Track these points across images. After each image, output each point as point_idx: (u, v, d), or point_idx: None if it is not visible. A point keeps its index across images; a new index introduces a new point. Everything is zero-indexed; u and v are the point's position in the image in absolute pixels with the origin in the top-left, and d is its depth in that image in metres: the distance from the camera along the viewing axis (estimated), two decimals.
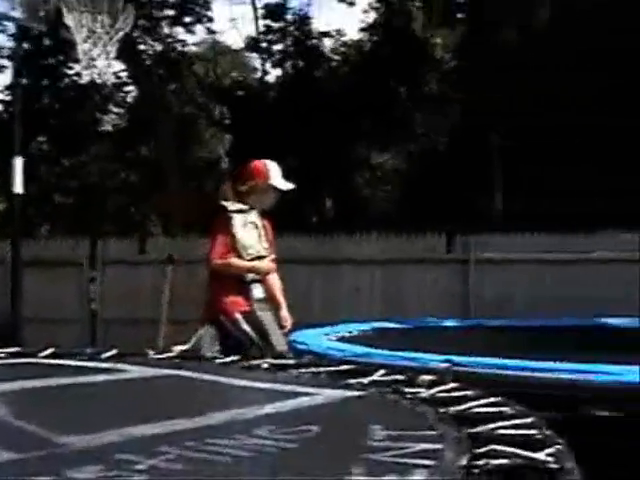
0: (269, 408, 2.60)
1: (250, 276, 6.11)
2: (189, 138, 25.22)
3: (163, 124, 22.82)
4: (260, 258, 6.17)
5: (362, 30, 25.54)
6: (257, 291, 6.10)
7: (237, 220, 6.10)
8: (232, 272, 6.09)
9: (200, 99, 25.46)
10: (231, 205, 6.16)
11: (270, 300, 6.27)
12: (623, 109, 18.19)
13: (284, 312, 6.38)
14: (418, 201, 21.44)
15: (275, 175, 6.24)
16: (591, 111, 18.52)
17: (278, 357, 5.76)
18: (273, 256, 6.28)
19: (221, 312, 6.07)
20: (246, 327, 5.96)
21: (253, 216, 6.23)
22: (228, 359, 3.67)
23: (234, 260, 6.06)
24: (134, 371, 3.41)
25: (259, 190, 6.19)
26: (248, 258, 6.11)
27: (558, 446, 2.07)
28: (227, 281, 6.08)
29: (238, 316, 6.00)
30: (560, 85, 18.85)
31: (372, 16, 24.57)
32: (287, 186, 6.28)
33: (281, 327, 6.33)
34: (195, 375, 3.32)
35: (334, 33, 25.90)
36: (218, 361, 3.70)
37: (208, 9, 24.09)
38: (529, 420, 2.35)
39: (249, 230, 6.15)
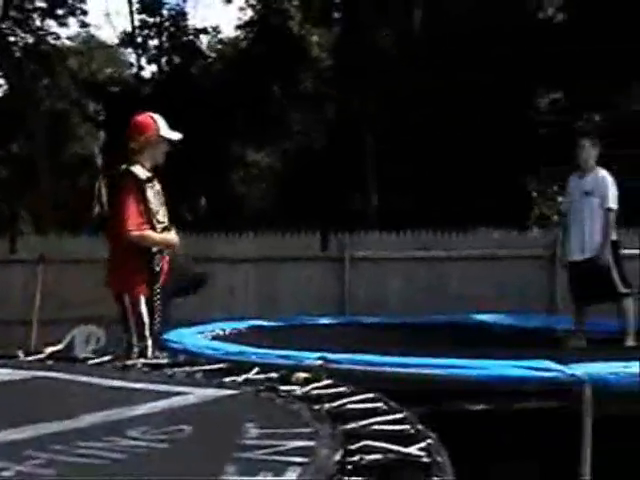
0: (142, 409, 2.57)
1: (155, 248, 6.01)
2: (62, 134, 24.74)
3: (35, 119, 22.30)
4: (167, 229, 6.06)
5: (238, 27, 25.50)
6: (156, 263, 5.98)
7: (149, 190, 5.98)
8: (146, 245, 5.93)
9: (74, 94, 24.99)
10: (141, 173, 5.96)
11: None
12: (496, 111, 18.63)
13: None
14: (293, 199, 21.53)
15: (163, 126, 6.10)
16: (464, 112, 18.91)
17: (155, 341, 5.76)
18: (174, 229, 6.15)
19: (125, 289, 5.96)
20: (143, 309, 5.87)
21: (157, 184, 6.11)
22: (101, 359, 3.61)
23: (151, 233, 5.90)
24: (3, 374, 3.33)
25: (151, 144, 6.01)
26: (159, 229, 5.99)
27: (430, 440, 2.10)
28: (134, 255, 5.92)
29: (141, 297, 5.89)
30: (434, 86, 19.18)
31: (249, 13, 24.56)
32: (176, 136, 6.13)
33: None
34: (67, 377, 3.25)
35: (210, 30, 25.80)
36: (91, 362, 3.64)
37: (82, 2, 23.66)
38: (402, 415, 2.38)
39: (157, 199, 6.04)
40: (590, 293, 8.14)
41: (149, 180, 5.99)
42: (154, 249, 5.96)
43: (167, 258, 6.13)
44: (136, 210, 5.88)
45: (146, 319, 5.89)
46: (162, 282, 6.02)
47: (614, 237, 8.11)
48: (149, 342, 5.85)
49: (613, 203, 8.02)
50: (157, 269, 5.98)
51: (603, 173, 8.15)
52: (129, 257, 5.96)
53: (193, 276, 6.60)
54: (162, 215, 6.06)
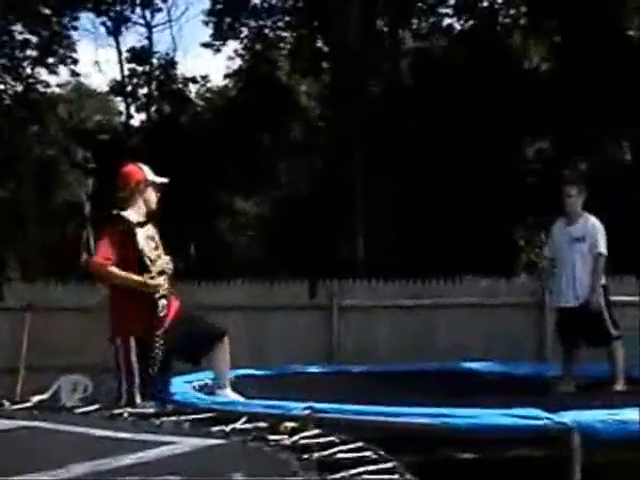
0: (129, 458, 2.55)
1: (157, 294, 5.92)
2: (51, 181, 24.76)
3: (24, 166, 22.34)
4: (163, 272, 6.06)
5: (227, 77, 25.68)
6: (160, 309, 5.94)
7: (140, 233, 5.99)
8: (110, 281, 5.97)
9: (63, 142, 25.05)
10: (132, 217, 6.01)
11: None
12: (483, 160, 18.74)
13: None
14: (281, 247, 21.55)
15: (149, 172, 6.20)
16: (452, 162, 19.03)
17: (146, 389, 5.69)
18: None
19: (116, 334, 5.94)
20: (133, 356, 5.84)
21: (151, 229, 6.13)
22: (88, 408, 3.59)
23: (114, 269, 5.85)
24: None
25: (141, 190, 6.09)
26: (155, 272, 5.94)
27: None
28: (127, 299, 5.92)
29: (132, 343, 5.86)
30: (421, 135, 19.32)
31: (237, 63, 24.74)
32: (163, 180, 6.24)
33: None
34: (53, 426, 3.23)
35: (199, 79, 25.98)
36: (78, 411, 3.61)
37: (72, 50, 23.81)
38: (390, 465, 2.37)
39: (150, 243, 6.04)
40: (582, 337, 8.14)
41: (140, 224, 6.02)
42: (157, 295, 5.93)
43: (175, 306, 6.11)
44: (109, 246, 5.90)
45: (135, 365, 5.85)
46: (165, 330, 5.96)
47: (603, 281, 8.13)
48: (137, 390, 5.80)
49: (604, 248, 8.05)
50: (160, 315, 5.93)
51: (593, 220, 8.18)
52: (121, 301, 5.98)
53: (208, 328, 6.47)
54: (157, 258, 6.04)
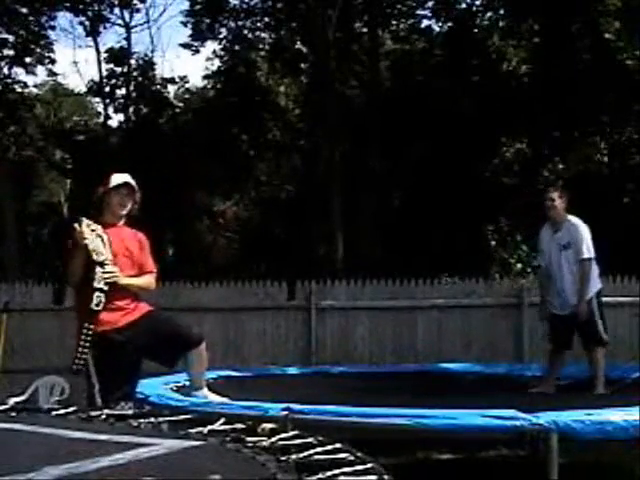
0: (106, 460, 2.53)
1: (97, 284, 5.71)
2: (28, 182, 24.64)
3: (1, 167, 22.20)
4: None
5: (206, 77, 25.64)
6: (95, 302, 5.68)
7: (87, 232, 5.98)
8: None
9: (40, 142, 24.92)
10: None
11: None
12: (461, 162, 18.80)
13: None
14: (260, 248, 21.53)
15: (114, 179, 6.08)
16: (430, 163, 19.08)
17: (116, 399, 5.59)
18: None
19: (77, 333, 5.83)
20: (88, 355, 5.66)
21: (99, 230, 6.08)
22: (65, 410, 3.57)
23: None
24: None
25: (102, 197, 6.02)
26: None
27: None
28: (77, 291, 5.87)
29: (82, 335, 5.65)
30: (399, 136, 19.36)
31: (216, 64, 24.70)
32: (121, 179, 6.09)
33: None
34: (30, 428, 3.21)
35: (178, 79, 25.92)
36: (55, 413, 3.59)
37: (50, 50, 23.68)
38: (369, 466, 2.37)
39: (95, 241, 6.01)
40: (570, 340, 8.08)
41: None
42: (95, 284, 5.80)
43: (141, 306, 6.01)
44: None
45: (92, 364, 5.69)
46: (128, 327, 5.84)
47: (599, 285, 8.05)
48: (96, 385, 5.65)
49: (588, 252, 7.93)
50: (95, 308, 5.74)
51: (575, 222, 8.03)
52: (75, 295, 5.93)
53: (185, 333, 6.32)
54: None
